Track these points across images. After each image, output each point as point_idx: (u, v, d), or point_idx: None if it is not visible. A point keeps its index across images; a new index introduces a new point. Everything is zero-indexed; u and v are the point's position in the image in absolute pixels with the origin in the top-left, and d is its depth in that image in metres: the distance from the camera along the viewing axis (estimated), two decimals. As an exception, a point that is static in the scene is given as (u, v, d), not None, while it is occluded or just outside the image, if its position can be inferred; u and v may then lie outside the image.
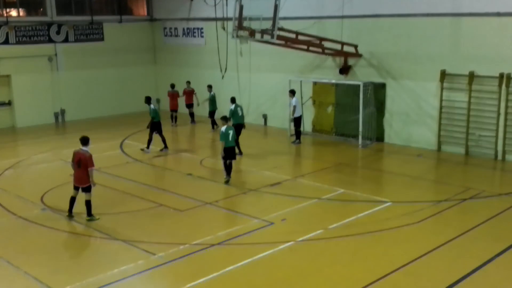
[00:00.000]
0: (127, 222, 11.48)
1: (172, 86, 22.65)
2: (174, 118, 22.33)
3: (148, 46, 26.59)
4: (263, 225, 11.03)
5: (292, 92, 18.54)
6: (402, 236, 10.46)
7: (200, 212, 12.07)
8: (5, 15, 22.17)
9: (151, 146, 17.43)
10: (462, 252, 9.71)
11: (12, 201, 12.92)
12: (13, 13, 22.85)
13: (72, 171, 11.74)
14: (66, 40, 23.69)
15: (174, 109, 22.43)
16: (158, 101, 26.60)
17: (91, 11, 24.54)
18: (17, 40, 22.32)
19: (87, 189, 11.46)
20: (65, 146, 18.43)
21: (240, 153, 16.74)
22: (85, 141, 11.62)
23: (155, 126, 17.45)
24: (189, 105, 22.56)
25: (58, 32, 23.42)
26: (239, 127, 16.87)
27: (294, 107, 18.27)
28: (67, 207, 11.76)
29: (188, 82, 22.81)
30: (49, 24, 23.18)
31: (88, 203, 11.48)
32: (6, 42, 22.07)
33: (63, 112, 23.88)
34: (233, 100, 17.49)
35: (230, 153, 13.96)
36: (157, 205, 12.42)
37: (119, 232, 10.79)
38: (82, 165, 11.36)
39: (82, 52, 24.19)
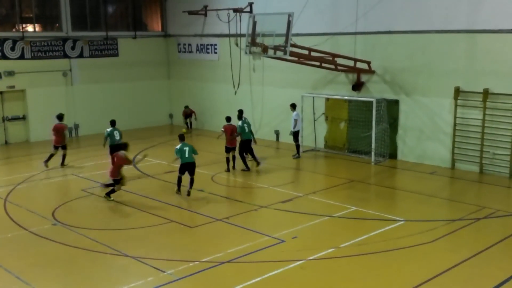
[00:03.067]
0: (137, 237, 11.44)
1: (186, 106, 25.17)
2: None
3: (162, 61, 26.78)
4: (274, 242, 10.92)
5: (293, 106, 18.59)
6: (416, 255, 10.28)
7: (210, 228, 12.00)
8: (21, 30, 22.51)
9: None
10: (477, 272, 9.51)
11: (24, 216, 12.96)
12: (29, 28, 23.17)
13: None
14: (81, 55, 23.93)
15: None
16: (171, 116, 26.76)
17: (106, 27, 24.81)
18: (32, 55, 22.58)
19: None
20: (78, 160, 18.54)
21: (247, 168, 16.97)
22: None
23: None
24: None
25: (73, 48, 23.67)
26: (247, 143, 17.02)
27: (296, 120, 18.30)
28: (78, 221, 11.76)
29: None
30: (65, 40, 23.46)
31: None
32: (21, 57, 22.34)
33: (77, 126, 24.04)
34: (239, 116, 17.59)
35: (189, 168, 14.36)
36: (168, 221, 12.37)
37: (129, 247, 10.75)
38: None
39: (97, 67, 24.42)
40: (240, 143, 17.11)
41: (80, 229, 11.89)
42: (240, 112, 17.73)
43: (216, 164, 17.81)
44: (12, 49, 22.11)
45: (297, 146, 18.81)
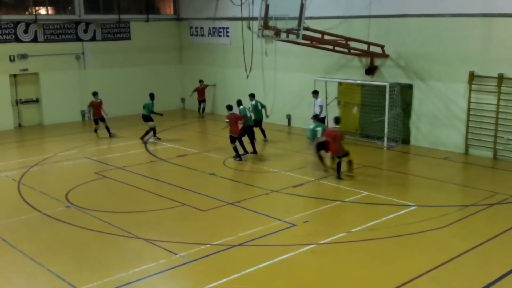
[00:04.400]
0: (150, 221, 11.53)
1: (201, 81, 24.74)
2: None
3: (175, 45, 26.71)
4: (286, 227, 10.94)
5: (316, 93, 18.45)
6: (428, 241, 10.24)
7: (222, 212, 12.05)
8: (34, 13, 22.54)
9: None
10: (490, 258, 9.46)
11: (38, 198, 13.10)
12: (42, 11, 23.20)
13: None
14: (93, 38, 23.96)
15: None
16: (183, 100, 26.77)
17: (119, 10, 24.77)
18: (45, 38, 22.66)
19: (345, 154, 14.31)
20: (91, 144, 18.64)
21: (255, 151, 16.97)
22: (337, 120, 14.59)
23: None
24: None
25: (85, 31, 23.70)
26: (258, 123, 17.61)
27: (321, 107, 18.18)
28: (91, 204, 11.87)
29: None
30: (77, 23, 23.48)
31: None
32: (34, 40, 22.43)
33: (90, 110, 24.13)
34: (252, 96, 17.69)
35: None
36: (180, 205, 12.44)
37: (141, 230, 10.83)
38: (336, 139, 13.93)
39: (109, 51, 24.45)
40: (245, 129, 16.82)
41: (93, 212, 12.00)
42: (253, 94, 18.22)
43: (227, 149, 17.82)
44: (25, 32, 22.19)
45: None
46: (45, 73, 22.85)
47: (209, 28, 25.18)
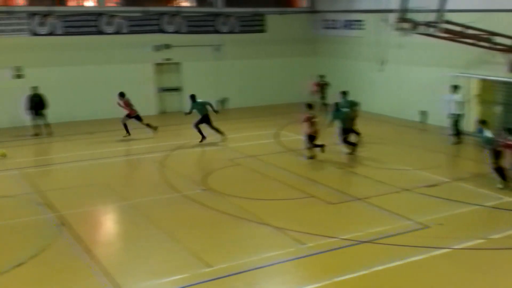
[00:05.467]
0: (278, 209, 11.83)
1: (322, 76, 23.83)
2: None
3: (308, 38, 26.85)
4: (417, 228, 10.61)
5: (456, 88, 17.59)
6: None
7: (350, 206, 12.01)
8: (177, 5, 24.03)
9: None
10: None
11: (177, 180, 14.04)
12: (184, 3, 24.68)
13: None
14: (231, 31, 24.95)
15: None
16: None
17: (255, 3, 25.49)
18: (187, 29, 24.05)
19: None
20: (227, 131, 19.44)
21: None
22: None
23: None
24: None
25: (224, 23, 24.76)
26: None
27: (461, 103, 17.37)
28: (225, 189, 12.53)
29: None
30: (216, 15, 24.59)
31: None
32: (177, 31, 23.90)
33: (225, 100, 25.14)
34: (344, 93, 17.78)
35: None
36: (308, 196, 12.60)
37: (270, 218, 11.14)
38: None
39: (245, 43, 25.27)
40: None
41: (226, 196, 12.60)
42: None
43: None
44: (169, 23, 23.73)
45: (457, 131, 17.69)
46: (186, 63, 24.25)
47: (343, 21, 24.97)
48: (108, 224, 12.02)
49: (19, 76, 21.39)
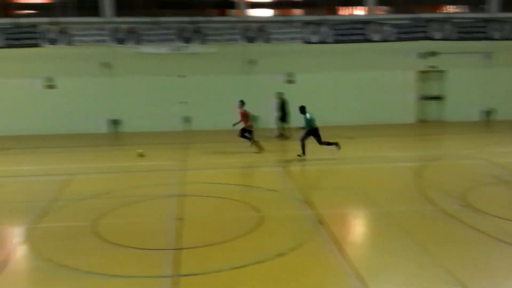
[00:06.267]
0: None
1: None
2: None
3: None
4: None
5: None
6: None
7: None
8: (445, 11, 23.16)
9: None
10: None
11: (434, 192, 13.56)
12: (452, 9, 23.67)
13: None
14: (505, 37, 23.00)
15: None
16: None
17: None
18: (457, 36, 22.95)
19: None
20: (491, 144, 18.01)
21: None
22: None
23: None
24: None
25: (497, 29, 22.93)
26: None
27: None
28: (487, 207, 11.56)
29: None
30: (489, 21, 22.88)
31: None
32: (446, 37, 22.98)
33: (492, 111, 23.24)
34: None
35: None
36: None
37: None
38: None
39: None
40: None
41: (487, 216, 11.68)
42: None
43: None
44: (437, 29, 22.98)
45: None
46: (452, 71, 23.18)
47: None
48: (361, 227, 12.27)
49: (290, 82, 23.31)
